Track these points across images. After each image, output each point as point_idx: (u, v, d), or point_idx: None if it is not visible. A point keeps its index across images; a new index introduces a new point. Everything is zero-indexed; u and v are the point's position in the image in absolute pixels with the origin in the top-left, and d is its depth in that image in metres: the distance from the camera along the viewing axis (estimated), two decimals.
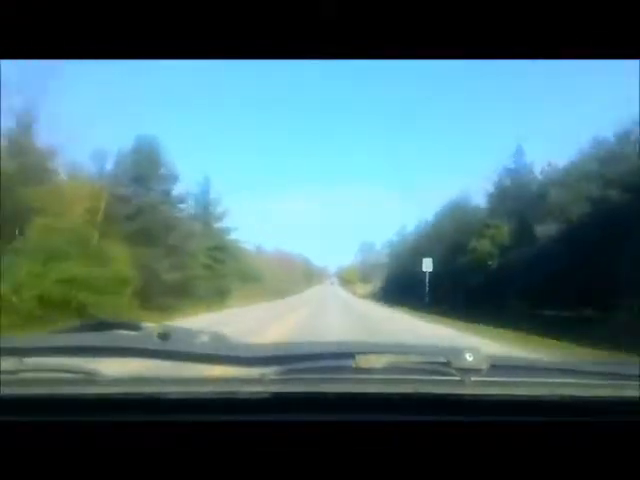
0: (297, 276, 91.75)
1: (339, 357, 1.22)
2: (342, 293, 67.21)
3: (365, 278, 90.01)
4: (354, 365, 1.11)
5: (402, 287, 35.36)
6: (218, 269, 31.58)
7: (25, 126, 16.74)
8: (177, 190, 26.67)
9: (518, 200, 20.55)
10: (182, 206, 28.32)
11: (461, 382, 1.08)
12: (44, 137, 17.56)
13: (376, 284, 60.96)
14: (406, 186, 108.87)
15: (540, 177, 21.11)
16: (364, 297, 53.42)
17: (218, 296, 29.36)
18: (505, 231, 20.88)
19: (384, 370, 1.12)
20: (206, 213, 34.09)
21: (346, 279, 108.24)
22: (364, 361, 1.11)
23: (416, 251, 32.89)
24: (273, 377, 1.10)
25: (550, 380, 1.15)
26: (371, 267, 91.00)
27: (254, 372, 1.11)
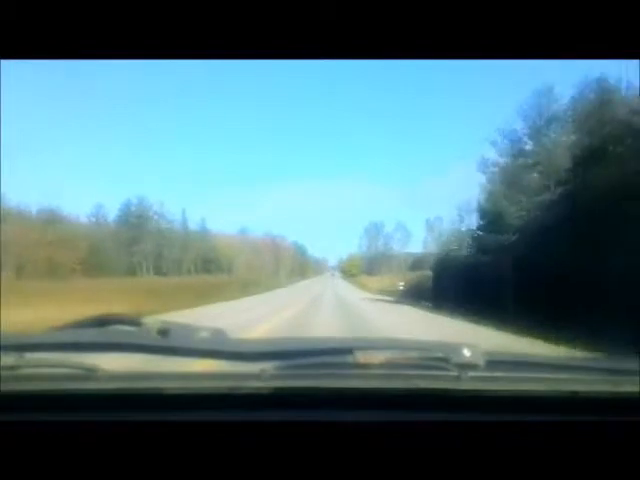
0: (287, 265, 78.64)
1: (338, 353, 1.22)
2: (348, 291, 40.46)
3: (371, 269, 77.61)
4: (353, 361, 1.12)
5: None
6: None
7: None
8: None
9: None
10: None
11: (458, 378, 1.08)
12: None
13: (398, 277, 42.86)
14: (406, 183, 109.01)
15: None
16: (399, 300, 28.07)
17: None
18: None
19: (382, 366, 1.13)
20: None
21: (348, 271, 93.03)
22: (363, 357, 1.12)
23: None
24: (272, 372, 1.10)
25: (548, 376, 1.15)
26: (380, 256, 79.73)
27: (253, 367, 1.11)
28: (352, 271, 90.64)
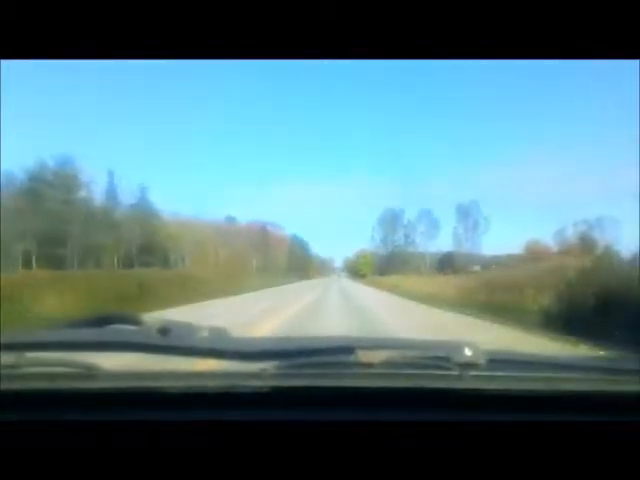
0: (280, 261, 62.56)
1: (340, 352, 1.22)
2: (394, 315, 14.35)
3: (383, 269, 62.23)
4: (354, 360, 1.12)
5: None
6: None
7: None
8: None
9: None
10: None
11: (459, 377, 1.08)
12: None
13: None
14: (409, 181, 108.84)
15: None
16: None
17: None
18: None
19: (384, 365, 1.13)
20: None
21: (357, 270, 75.35)
22: (364, 356, 1.12)
23: None
24: (273, 371, 1.10)
25: (548, 375, 1.15)
26: (399, 251, 63.20)
27: (254, 366, 1.11)
28: (362, 270, 72.95)
